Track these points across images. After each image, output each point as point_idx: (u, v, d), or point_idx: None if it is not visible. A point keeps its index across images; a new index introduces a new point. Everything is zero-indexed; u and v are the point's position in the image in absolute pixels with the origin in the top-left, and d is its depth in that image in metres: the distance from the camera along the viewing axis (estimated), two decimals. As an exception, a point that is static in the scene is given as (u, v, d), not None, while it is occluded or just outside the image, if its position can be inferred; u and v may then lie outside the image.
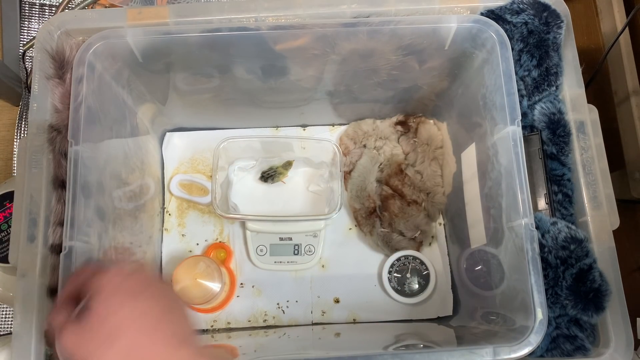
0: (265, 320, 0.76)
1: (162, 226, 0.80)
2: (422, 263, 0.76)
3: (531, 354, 0.51)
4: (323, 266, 0.78)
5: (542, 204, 0.60)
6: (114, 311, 0.35)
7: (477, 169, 0.66)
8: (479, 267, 0.68)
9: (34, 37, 0.80)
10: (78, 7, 0.83)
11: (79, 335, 0.35)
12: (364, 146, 0.82)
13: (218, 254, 0.77)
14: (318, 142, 0.81)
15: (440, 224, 0.81)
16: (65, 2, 0.84)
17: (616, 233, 0.58)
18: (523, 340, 0.51)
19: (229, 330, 0.76)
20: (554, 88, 0.61)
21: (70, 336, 0.35)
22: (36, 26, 0.87)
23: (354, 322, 0.76)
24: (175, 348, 0.35)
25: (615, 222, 0.58)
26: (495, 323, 0.61)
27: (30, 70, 0.84)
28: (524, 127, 0.60)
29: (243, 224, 0.78)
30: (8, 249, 0.61)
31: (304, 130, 0.85)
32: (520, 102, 0.58)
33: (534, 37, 0.60)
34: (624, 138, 0.82)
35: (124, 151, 0.67)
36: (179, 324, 0.37)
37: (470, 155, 0.69)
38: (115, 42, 0.58)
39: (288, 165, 0.80)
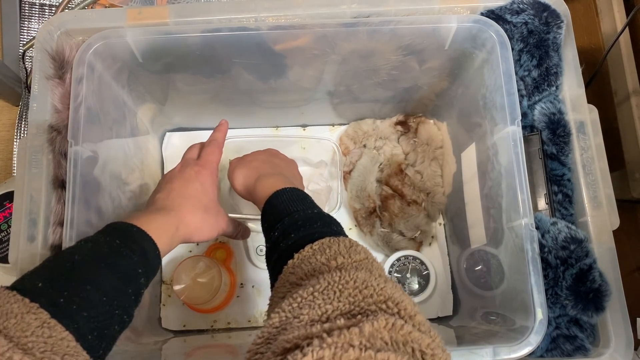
0: (265, 320, 0.76)
1: (162, 226, 0.80)
2: (422, 263, 0.76)
3: (531, 354, 0.51)
4: (323, 266, 0.78)
5: (542, 204, 0.60)
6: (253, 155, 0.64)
7: (477, 169, 0.66)
8: (479, 267, 0.68)
9: (34, 37, 0.80)
10: (78, 7, 0.83)
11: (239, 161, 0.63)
12: (364, 146, 0.82)
13: (218, 254, 0.77)
14: (318, 142, 0.81)
15: (440, 224, 0.81)
16: (65, 2, 0.84)
17: (616, 233, 0.58)
18: (523, 341, 0.51)
19: (229, 330, 0.76)
20: (554, 88, 0.61)
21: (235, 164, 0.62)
22: (36, 26, 0.87)
23: (354, 322, 0.76)
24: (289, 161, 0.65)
25: (615, 222, 0.58)
26: (495, 323, 0.61)
27: (30, 70, 0.84)
28: (524, 127, 0.60)
29: (243, 224, 0.78)
30: (8, 249, 0.61)
31: (304, 130, 0.85)
32: (520, 102, 0.58)
33: (534, 37, 0.60)
34: (624, 138, 0.82)
35: (124, 151, 0.67)
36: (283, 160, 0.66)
37: (470, 155, 0.69)
38: (115, 42, 0.58)
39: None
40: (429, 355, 0.30)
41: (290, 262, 0.42)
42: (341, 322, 0.31)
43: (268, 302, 0.44)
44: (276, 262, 0.45)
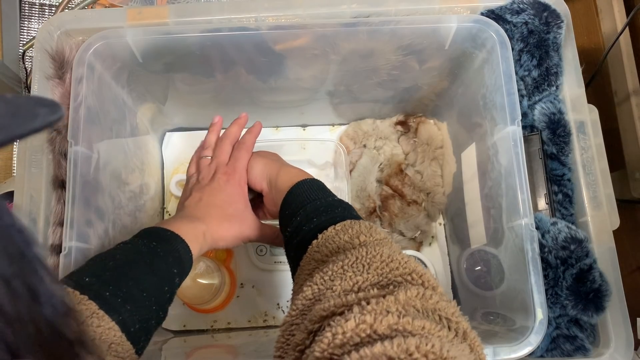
0: (265, 321, 0.76)
1: (162, 226, 0.80)
2: (422, 263, 0.76)
3: (531, 354, 0.51)
4: (323, 266, 0.78)
5: (542, 204, 0.60)
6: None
7: (477, 169, 0.66)
8: (479, 267, 0.68)
9: (34, 37, 0.80)
10: (78, 7, 0.83)
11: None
12: (364, 146, 0.82)
13: (218, 254, 0.77)
14: (322, 143, 0.81)
15: (440, 224, 0.81)
16: (65, 2, 0.84)
17: (616, 233, 0.58)
18: (523, 341, 0.51)
19: (229, 330, 0.76)
20: (554, 88, 0.61)
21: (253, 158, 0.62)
22: (36, 26, 0.87)
23: (354, 322, 0.76)
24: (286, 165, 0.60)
25: (615, 222, 0.58)
26: (495, 323, 0.61)
27: (30, 70, 0.84)
28: (524, 127, 0.60)
29: (243, 224, 0.78)
30: (8, 249, 0.61)
31: (304, 130, 0.85)
32: (521, 102, 0.58)
33: (534, 37, 0.60)
34: (624, 138, 0.82)
35: (124, 151, 0.67)
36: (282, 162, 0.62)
37: (470, 155, 0.69)
38: (115, 42, 0.58)
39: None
40: (454, 322, 0.33)
41: (314, 242, 0.45)
42: (374, 291, 0.34)
43: (293, 281, 0.47)
44: (299, 243, 0.47)
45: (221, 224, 0.56)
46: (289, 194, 0.54)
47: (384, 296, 0.32)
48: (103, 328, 0.40)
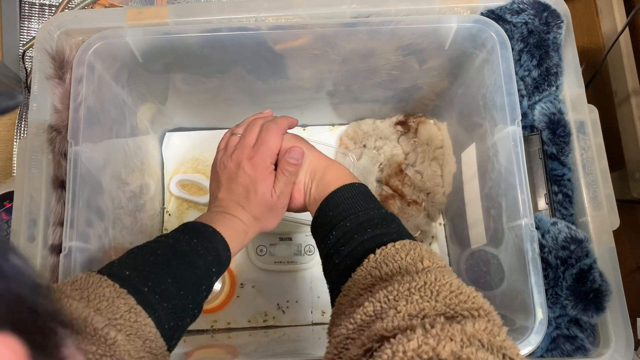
0: (265, 321, 0.76)
1: (162, 226, 0.80)
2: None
3: (531, 354, 0.51)
4: (323, 266, 0.78)
5: (542, 204, 0.60)
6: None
7: (477, 169, 0.66)
8: (479, 268, 0.68)
9: (34, 37, 0.80)
10: (78, 7, 0.83)
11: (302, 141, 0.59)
12: (364, 146, 0.82)
13: (218, 254, 0.77)
14: (344, 156, 0.80)
15: (440, 224, 0.81)
16: (65, 2, 0.84)
17: (616, 233, 0.58)
18: (523, 341, 0.51)
19: (229, 330, 0.76)
20: (554, 88, 0.61)
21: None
22: (36, 26, 0.87)
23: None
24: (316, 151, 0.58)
25: (615, 222, 0.58)
26: (495, 323, 0.61)
27: (30, 70, 0.84)
28: (524, 127, 0.60)
29: (243, 224, 0.78)
30: (8, 249, 0.61)
31: (304, 130, 0.85)
32: (521, 102, 0.58)
33: (534, 37, 0.60)
34: (624, 138, 0.82)
35: (124, 151, 0.67)
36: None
37: (470, 155, 0.69)
38: (115, 42, 0.58)
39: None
40: None
41: (371, 256, 0.43)
42: (441, 319, 0.33)
43: (329, 287, 0.47)
44: (350, 253, 0.45)
45: (258, 220, 0.55)
46: (335, 193, 0.51)
47: (450, 324, 0.32)
48: (139, 324, 0.40)
